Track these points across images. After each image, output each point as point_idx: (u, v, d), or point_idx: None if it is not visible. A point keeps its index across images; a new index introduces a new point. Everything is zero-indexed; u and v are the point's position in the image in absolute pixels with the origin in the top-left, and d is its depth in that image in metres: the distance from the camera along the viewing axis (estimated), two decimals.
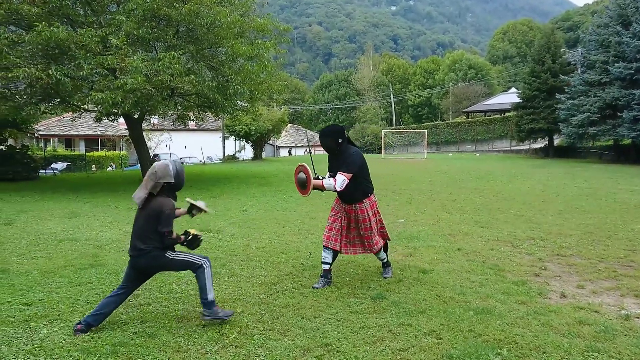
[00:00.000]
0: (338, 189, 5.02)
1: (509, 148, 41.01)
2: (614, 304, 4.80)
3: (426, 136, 39.88)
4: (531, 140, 35.29)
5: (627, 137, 25.25)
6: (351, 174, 5.03)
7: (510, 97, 41.79)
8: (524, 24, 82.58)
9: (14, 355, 3.55)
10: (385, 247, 5.61)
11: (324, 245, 5.31)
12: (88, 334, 3.93)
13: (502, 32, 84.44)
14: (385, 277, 5.50)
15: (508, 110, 42.41)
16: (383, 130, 45.16)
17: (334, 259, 5.34)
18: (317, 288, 5.08)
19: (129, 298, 4.75)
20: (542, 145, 35.26)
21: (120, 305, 4.56)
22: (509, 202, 11.72)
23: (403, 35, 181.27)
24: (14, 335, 3.91)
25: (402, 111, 77.78)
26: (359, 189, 5.20)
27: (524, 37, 78.35)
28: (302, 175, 5.14)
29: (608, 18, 27.64)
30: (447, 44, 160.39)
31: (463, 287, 5.16)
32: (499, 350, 3.61)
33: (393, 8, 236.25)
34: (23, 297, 4.81)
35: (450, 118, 61.45)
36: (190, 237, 4.23)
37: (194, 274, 4.16)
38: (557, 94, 29.40)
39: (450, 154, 39.59)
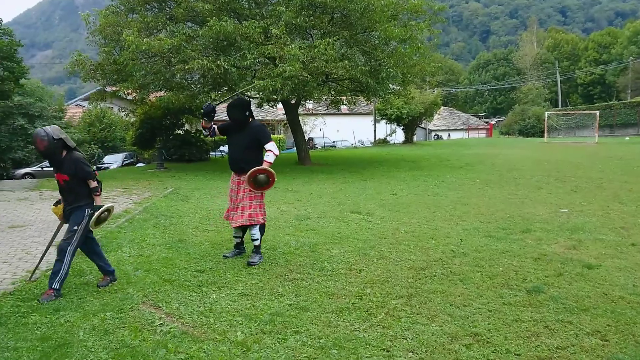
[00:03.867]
0: (277, 153, 5.48)
1: None
2: None
3: (597, 118, 35.82)
4: None
5: None
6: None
7: None
8: None
9: (189, 314, 4.06)
10: (262, 230, 5.68)
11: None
12: (249, 301, 4.32)
13: None
14: (250, 264, 5.40)
15: None
16: (547, 112, 41.59)
17: (243, 232, 5.75)
18: (227, 257, 5.67)
19: (285, 273, 5.12)
20: None
21: (277, 278, 4.94)
22: None
23: (573, 6, 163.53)
24: (189, 297, 4.46)
25: (569, 91, 70.74)
26: (258, 159, 5.44)
27: None
28: (261, 177, 5.36)
29: None
30: (628, 13, 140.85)
31: (636, 286, 4.61)
32: None
33: None
34: (197, 265, 5.43)
35: (629, 97, 54.29)
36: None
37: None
38: None
39: (627, 138, 35.07)
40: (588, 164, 16.81)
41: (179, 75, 15.51)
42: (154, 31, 15.87)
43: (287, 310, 4.12)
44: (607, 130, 42.39)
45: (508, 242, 6.34)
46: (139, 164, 26.50)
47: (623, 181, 12.36)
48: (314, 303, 4.29)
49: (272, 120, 41.35)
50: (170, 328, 3.77)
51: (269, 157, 5.43)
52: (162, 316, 4.02)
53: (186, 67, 13.71)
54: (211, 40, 13.98)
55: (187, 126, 23.04)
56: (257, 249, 5.59)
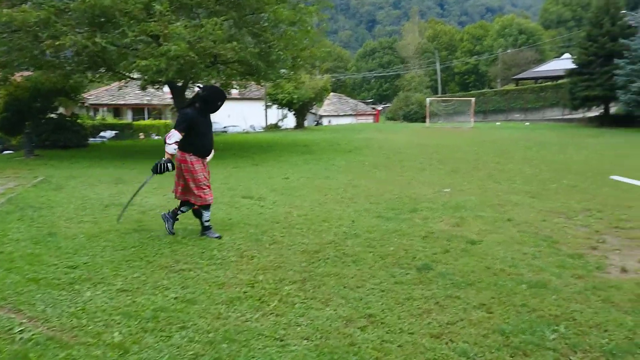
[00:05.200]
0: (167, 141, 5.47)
1: (561, 117, 39.16)
2: None
3: (473, 104, 38.58)
4: (585, 109, 33.54)
5: None
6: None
7: (563, 63, 39.71)
8: None
9: (57, 317, 3.57)
10: (196, 212, 5.86)
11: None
12: (129, 297, 3.92)
13: None
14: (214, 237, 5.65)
15: (561, 77, 40.31)
16: (428, 99, 43.95)
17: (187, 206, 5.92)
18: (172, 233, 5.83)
19: (171, 264, 4.76)
20: (597, 114, 33.49)
21: (162, 270, 4.57)
22: (561, 173, 11.14)
23: (450, 0, 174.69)
24: (58, 297, 3.94)
25: (448, 79, 75.58)
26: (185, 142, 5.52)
27: None
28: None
29: None
30: (496, 9, 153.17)
31: (515, 259, 4.89)
32: (556, 327, 3.37)
33: None
34: (69, 260, 4.86)
35: (499, 86, 59.18)
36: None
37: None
38: (615, 59, 27.68)
39: (498, 123, 38.25)
40: (465, 147, 17.97)
41: (49, 52, 14.03)
42: (17, 2, 14.16)
43: (173, 305, 3.80)
44: (481, 115, 45.87)
45: (397, 222, 6.48)
46: (5, 152, 23.81)
47: (496, 162, 13.35)
48: (203, 294, 4.01)
49: (158, 104, 39.33)
50: (32, 334, 3.28)
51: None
52: (24, 321, 3.50)
53: (57, 44, 12.42)
54: (85, 14, 12.77)
55: (61, 109, 21.07)
56: (206, 226, 5.81)
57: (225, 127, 38.92)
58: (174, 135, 5.41)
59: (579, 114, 36.05)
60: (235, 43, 13.54)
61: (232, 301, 3.87)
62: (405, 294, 3.98)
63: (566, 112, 38.35)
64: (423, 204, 7.71)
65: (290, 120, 38.07)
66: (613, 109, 32.14)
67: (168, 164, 5.57)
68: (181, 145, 5.48)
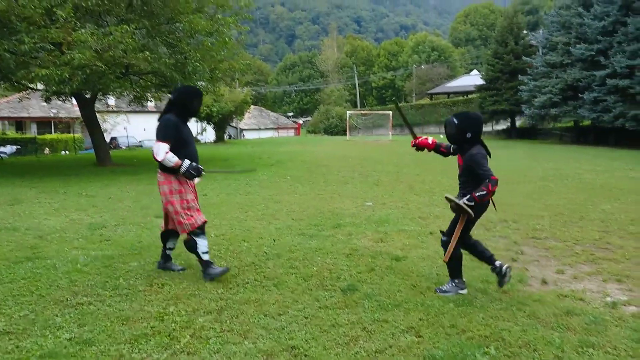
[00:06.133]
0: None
1: None
2: (597, 290, 4.53)
3: (391, 118, 39.67)
4: (494, 122, 35.56)
5: (587, 118, 25.62)
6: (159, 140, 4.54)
7: (473, 79, 42.01)
8: (485, 6, 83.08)
9: None
10: (190, 244, 4.65)
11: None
12: (12, 341, 3.34)
13: (463, 14, 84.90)
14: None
15: (471, 92, 42.65)
16: (348, 112, 44.69)
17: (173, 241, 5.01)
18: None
19: (67, 297, 4.19)
20: (505, 127, 35.59)
21: (57, 305, 4.00)
22: None
23: (366, 17, 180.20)
24: None
25: (366, 93, 77.50)
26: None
27: (485, 20, 79.00)
28: None
29: (569, 0, 27.82)
30: (409, 27, 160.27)
31: (440, 275, 4.79)
32: (486, 349, 3.23)
33: None
34: None
35: (414, 100, 61.51)
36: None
37: None
38: (519, 76, 29.57)
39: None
40: (386, 159, 18.24)
41: None
42: None
43: (66, 348, 3.27)
44: (399, 129, 47.27)
45: (320, 239, 6.24)
46: None
47: (415, 174, 13.58)
48: (103, 333, 3.50)
49: (65, 117, 36.89)
50: None
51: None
52: None
53: None
54: None
55: None
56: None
57: (141, 142, 37.28)
58: (161, 147, 4.47)
59: (488, 127, 38.11)
60: (148, 53, 12.88)
61: (137, 339, 3.40)
62: (330, 320, 3.71)
63: None
64: (346, 219, 7.54)
65: (210, 134, 37.16)
66: (519, 122, 34.28)
67: (191, 169, 4.63)
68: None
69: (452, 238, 4.24)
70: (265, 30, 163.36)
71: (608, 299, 4.27)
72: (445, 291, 4.30)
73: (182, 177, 4.65)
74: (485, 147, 4.35)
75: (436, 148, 4.64)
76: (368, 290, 4.33)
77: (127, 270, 4.96)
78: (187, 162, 4.60)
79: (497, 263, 4.32)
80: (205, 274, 4.63)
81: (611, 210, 8.36)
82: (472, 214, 4.09)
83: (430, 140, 4.64)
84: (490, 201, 4.34)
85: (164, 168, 4.64)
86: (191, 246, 4.62)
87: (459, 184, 4.42)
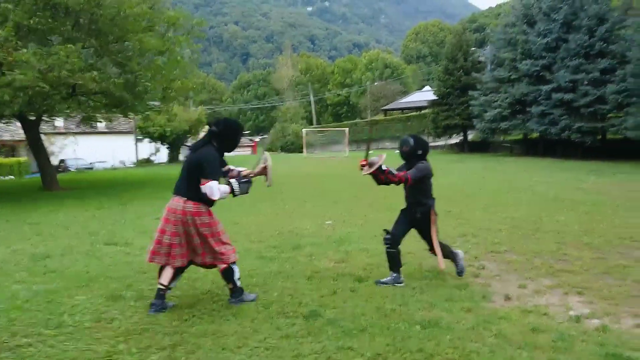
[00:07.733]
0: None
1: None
2: (559, 304, 4.53)
3: (347, 134, 39.95)
4: (447, 136, 36.35)
5: (536, 130, 26.54)
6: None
7: (425, 95, 42.95)
8: (434, 25, 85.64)
9: None
10: (229, 274, 4.49)
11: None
12: None
13: (414, 32, 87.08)
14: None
15: (424, 108, 43.53)
16: (304, 130, 44.76)
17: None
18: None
19: (4, 339, 3.82)
20: (458, 141, 36.42)
21: None
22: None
23: (320, 35, 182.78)
24: None
25: (321, 110, 78.00)
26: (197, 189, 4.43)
27: (435, 37, 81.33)
28: None
29: (514, 17, 28.96)
30: (362, 44, 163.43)
31: (404, 296, 4.67)
32: None
33: (309, 8, 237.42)
34: None
35: (369, 116, 62.32)
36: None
37: None
38: (469, 91, 30.42)
39: (371, 152, 39.86)
40: (344, 176, 18.23)
41: None
42: None
43: None
44: (355, 145, 47.66)
45: (280, 262, 6.04)
46: None
47: (374, 190, 13.54)
48: None
49: (9, 140, 35.28)
50: None
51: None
52: None
53: None
54: None
55: None
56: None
57: (91, 164, 36.05)
58: (214, 187, 4.25)
59: (442, 141, 38.94)
60: (95, 73, 12.44)
61: None
62: (293, 351, 3.51)
63: (431, 140, 41.23)
64: (306, 239, 7.37)
65: (164, 155, 36.35)
66: (471, 135, 35.17)
67: (241, 183, 4.56)
68: (192, 193, 4.34)
69: (433, 242, 5.17)
70: (219, 49, 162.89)
71: (571, 312, 4.26)
72: (384, 282, 5.06)
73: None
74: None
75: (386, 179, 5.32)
76: (331, 316, 4.16)
77: (72, 304, 4.60)
78: (231, 182, 4.53)
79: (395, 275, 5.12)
80: (237, 300, 4.52)
81: (565, 221, 8.54)
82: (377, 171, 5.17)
83: (383, 166, 5.32)
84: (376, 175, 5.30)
85: (196, 198, 4.36)
86: (229, 275, 4.48)
87: (407, 195, 5.64)
